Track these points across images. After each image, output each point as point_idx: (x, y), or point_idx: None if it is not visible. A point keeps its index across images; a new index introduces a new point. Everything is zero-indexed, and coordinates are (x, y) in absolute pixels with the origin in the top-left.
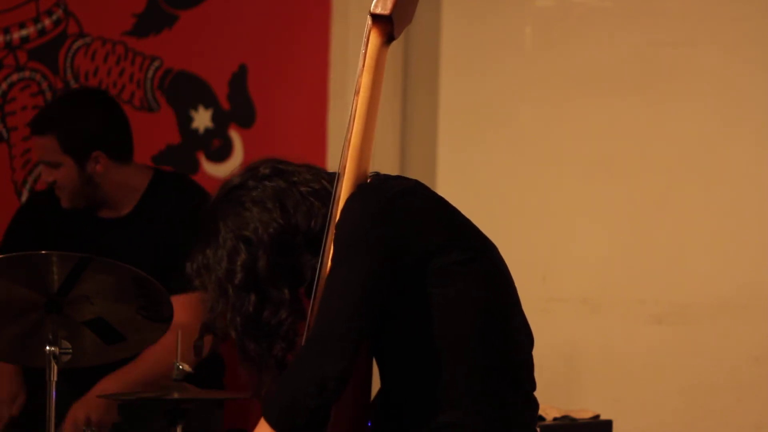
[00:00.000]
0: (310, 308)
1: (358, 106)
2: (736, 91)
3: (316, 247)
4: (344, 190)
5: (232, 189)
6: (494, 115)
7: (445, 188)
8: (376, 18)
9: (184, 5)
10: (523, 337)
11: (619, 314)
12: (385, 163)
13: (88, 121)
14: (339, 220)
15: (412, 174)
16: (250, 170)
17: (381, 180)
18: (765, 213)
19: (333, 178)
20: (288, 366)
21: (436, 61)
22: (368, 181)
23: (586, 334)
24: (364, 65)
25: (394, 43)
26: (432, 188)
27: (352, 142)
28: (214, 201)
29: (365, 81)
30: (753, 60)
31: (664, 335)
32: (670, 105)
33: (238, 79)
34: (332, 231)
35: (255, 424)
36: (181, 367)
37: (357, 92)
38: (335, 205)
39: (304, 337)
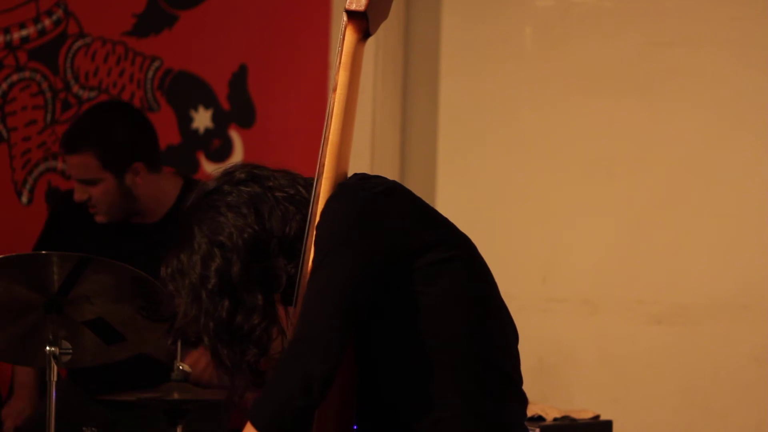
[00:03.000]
0: (290, 316)
1: (335, 103)
2: (736, 92)
3: (291, 252)
4: (323, 189)
5: (207, 193)
6: (494, 115)
7: (445, 189)
8: (351, 14)
9: (184, 5)
10: (509, 332)
11: (618, 315)
12: (385, 163)
13: (123, 133)
14: (319, 221)
15: (413, 175)
16: (225, 175)
17: (360, 179)
18: (765, 213)
19: (308, 184)
20: (271, 369)
21: (436, 61)
22: (347, 180)
23: (586, 334)
24: (340, 62)
25: (395, 44)
26: (432, 189)
27: (330, 140)
28: (189, 205)
29: (342, 78)
30: (753, 60)
31: (664, 336)
32: (669, 105)
33: (238, 80)
34: (312, 231)
35: None
36: (181, 367)
37: (334, 90)
38: (315, 204)
39: (286, 341)
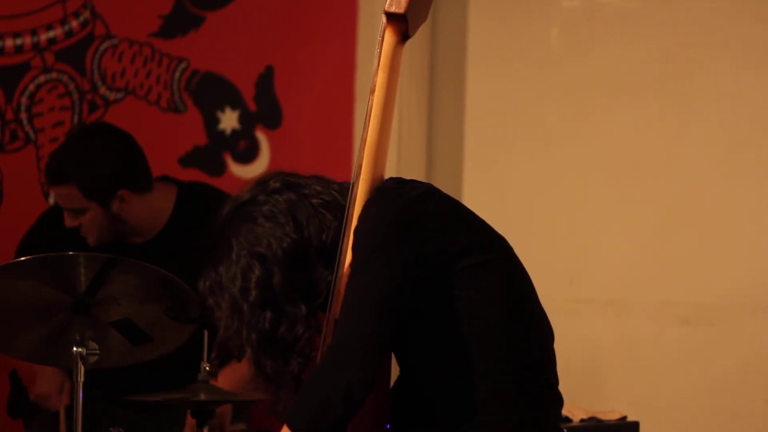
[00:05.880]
0: (325, 320)
1: (374, 105)
2: (764, 92)
3: (328, 260)
4: (361, 190)
5: (242, 204)
6: (521, 116)
7: (472, 190)
8: (391, 16)
9: (210, 6)
10: (546, 332)
11: (646, 315)
12: (412, 165)
13: (105, 163)
14: (358, 225)
15: (439, 176)
16: (259, 185)
17: (398, 183)
18: None
19: (343, 189)
20: (311, 374)
21: (463, 63)
22: (384, 184)
23: (612, 335)
24: (379, 64)
25: (421, 45)
26: (458, 190)
27: (368, 141)
28: (224, 217)
29: (380, 80)
30: None
31: (691, 336)
32: (696, 106)
33: (265, 81)
34: (349, 234)
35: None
36: (207, 368)
37: (372, 91)
38: (351, 206)
39: (321, 348)
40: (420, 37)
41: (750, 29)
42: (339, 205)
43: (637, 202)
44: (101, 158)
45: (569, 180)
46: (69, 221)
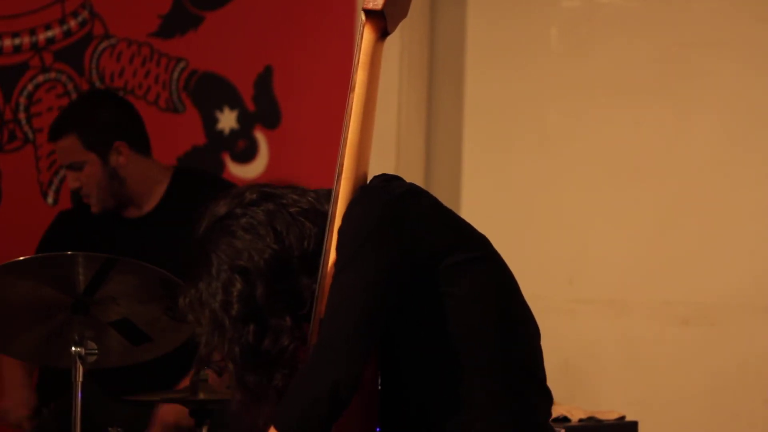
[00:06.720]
0: (311, 320)
1: (354, 103)
2: (762, 93)
3: (311, 268)
4: (343, 190)
5: (219, 219)
6: (520, 116)
7: (471, 190)
8: (369, 13)
9: (209, 6)
10: (532, 328)
11: (645, 315)
12: (411, 163)
13: (103, 114)
14: (342, 224)
15: (438, 175)
16: (235, 197)
17: (382, 182)
18: None
19: (319, 196)
20: (297, 374)
21: (462, 62)
22: (369, 183)
23: (612, 335)
24: (358, 61)
25: (420, 44)
26: (457, 190)
27: (349, 140)
28: (202, 232)
29: (360, 77)
30: None
31: (690, 336)
32: (695, 106)
33: (264, 80)
34: (332, 233)
35: None
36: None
37: (352, 89)
38: (334, 205)
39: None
40: (419, 36)
41: (750, 29)
42: (317, 213)
43: (636, 202)
44: (102, 110)
45: (568, 179)
46: (71, 183)
